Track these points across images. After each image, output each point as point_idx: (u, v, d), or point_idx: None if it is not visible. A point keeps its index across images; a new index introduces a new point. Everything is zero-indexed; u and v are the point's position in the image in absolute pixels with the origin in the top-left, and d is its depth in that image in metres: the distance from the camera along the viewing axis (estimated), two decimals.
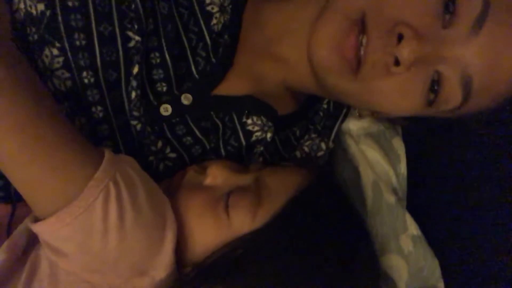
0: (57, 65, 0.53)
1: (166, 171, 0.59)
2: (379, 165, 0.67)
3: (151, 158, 0.58)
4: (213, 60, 0.60)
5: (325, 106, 0.69)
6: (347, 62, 0.51)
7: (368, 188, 0.65)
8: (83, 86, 0.54)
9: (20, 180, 0.46)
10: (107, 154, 0.47)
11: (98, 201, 0.44)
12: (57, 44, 0.53)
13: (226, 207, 0.51)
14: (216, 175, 0.55)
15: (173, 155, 0.60)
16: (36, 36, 0.53)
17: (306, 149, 0.66)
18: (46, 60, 0.53)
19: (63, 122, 0.47)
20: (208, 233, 0.51)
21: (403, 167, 0.68)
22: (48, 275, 0.47)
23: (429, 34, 0.48)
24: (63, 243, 0.45)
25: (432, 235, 0.65)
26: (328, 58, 0.52)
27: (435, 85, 0.51)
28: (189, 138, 0.60)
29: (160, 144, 0.59)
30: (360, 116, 0.67)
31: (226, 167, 0.55)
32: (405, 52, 0.48)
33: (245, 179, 0.54)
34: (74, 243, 0.45)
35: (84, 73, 0.54)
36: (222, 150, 0.61)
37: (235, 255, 0.49)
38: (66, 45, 0.53)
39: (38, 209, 0.46)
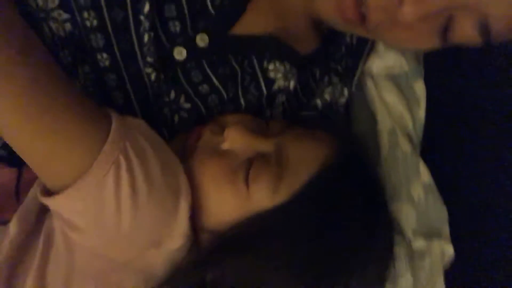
0: (52, 5, 0.48)
1: (182, 123, 0.56)
2: (396, 110, 0.64)
3: (165, 109, 0.55)
4: None
5: (348, 39, 0.63)
6: (351, 20, 0.49)
7: (385, 136, 0.63)
8: (85, 30, 0.49)
9: (24, 153, 0.43)
10: (115, 121, 0.44)
11: (109, 176, 0.42)
12: None
13: (246, 179, 0.48)
14: (235, 139, 0.51)
15: (187, 105, 0.55)
16: None
17: (327, 96, 0.61)
18: (40, 1, 0.47)
19: (65, 86, 0.43)
20: (226, 203, 0.49)
21: (421, 112, 0.65)
22: (64, 249, 0.46)
23: None
24: (77, 217, 0.44)
25: (446, 182, 0.65)
26: (332, 16, 0.51)
27: (448, 29, 0.48)
28: (205, 86, 0.55)
29: (173, 93, 0.54)
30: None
31: (245, 130, 0.51)
32: (407, 16, 0.46)
33: (266, 145, 0.50)
34: (88, 217, 0.44)
35: (85, 14, 0.48)
36: (242, 100, 0.57)
37: (255, 230, 0.48)
38: None
39: (46, 181, 0.45)
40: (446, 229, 0.66)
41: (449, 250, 0.66)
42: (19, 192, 0.50)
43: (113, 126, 0.43)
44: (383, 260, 0.54)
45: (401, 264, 0.62)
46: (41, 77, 0.41)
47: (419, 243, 0.65)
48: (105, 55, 0.50)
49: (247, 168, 0.49)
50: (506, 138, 0.66)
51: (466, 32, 0.47)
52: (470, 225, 0.68)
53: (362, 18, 0.48)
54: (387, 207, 0.55)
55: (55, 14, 0.48)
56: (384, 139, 0.62)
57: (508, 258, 0.65)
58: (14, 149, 0.43)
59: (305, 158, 0.50)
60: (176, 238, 0.47)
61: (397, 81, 0.64)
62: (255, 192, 0.48)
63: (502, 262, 0.65)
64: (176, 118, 0.55)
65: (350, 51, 0.63)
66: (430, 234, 0.65)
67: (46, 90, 0.41)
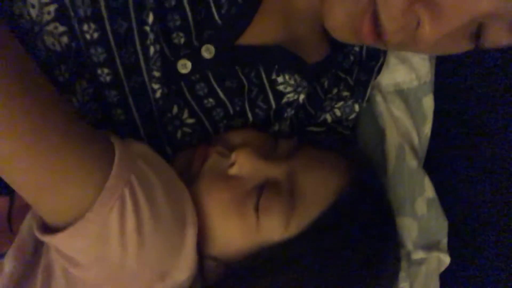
0: (47, 17, 0.44)
1: (185, 139, 0.53)
2: (403, 125, 0.64)
3: (167, 125, 0.52)
4: (239, 0, 0.50)
5: (356, 49, 0.62)
6: (368, 42, 0.48)
7: (392, 151, 0.63)
8: (84, 43, 0.46)
9: (20, 188, 0.40)
10: (118, 150, 0.41)
11: (113, 212, 0.40)
12: None
13: (256, 209, 0.46)
14: (244, 165, 0.48)
15: (191, 120, 0.53)
16: None
17: (337, 112, 0.60)
18: (33, 12, 0.44)
19: (65, 114, 0.40)
20: (233, 233, 0.47)
21: (427, 128, 0.65)
22: (64, 283, 0.44)
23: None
24: (78, 254, 0.42)
25: (448, 194, 0.66)
26: (347, 38, 0.50)
27: (480, 34, 0.45)
28: (210, 99, 0.53)
29: (176, 108, 0.52)
30: None
31: (254, 154, 0.49)
32: (428, 38, 0.43)
33: (276, 171, 0.49)
34: (90, 255, 0.41)
35: (85, 26, 0.45)
36: (249, 114, 0.55)
37: (262, 262, 0.47)
38: None
39: (44, 216, 0.42)
40: (444, 241, 0.68)
41: (446, 260, 0.68)
42: (11, 221, 0.48)
43: (117, 157, 0.41)
44: (389, 283, 0.54)
45: (400, 275, 0.63)
46: (37, 108, 0.38)
47: (418, 255, 0.66)
48: (106, 70, 0.47)
49: (257, 197, 0.47)
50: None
51: (499, 37, 0.44)
52: (468, 233, 0.70)
53: (381, 37, 0.46)
54: (396, 230, 0.56)
55: (50, 27, 0.45)
56: (392, 154, 0.62)
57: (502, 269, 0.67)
58: (9, 183, 0.40)
59: (319, 191, 0.48)
60: (182, 270, 0.45)
61: (405, 96, 0.64)
62: (265, 224, 0.47)
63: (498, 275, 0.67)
64: (179, 134, 0.53)
65: (361, 63, 0.62)
66: (429, 246, 0.67)
67: (43, 122, 0.38)
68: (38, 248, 0.47)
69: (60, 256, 0.43)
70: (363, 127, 0.64)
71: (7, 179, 0.39)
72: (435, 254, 0.67)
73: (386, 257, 0.52)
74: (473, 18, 0.42)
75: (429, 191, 0.65)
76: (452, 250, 0.67)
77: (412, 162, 0.63)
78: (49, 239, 0.41)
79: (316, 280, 0.47)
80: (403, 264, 0.64)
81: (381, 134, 0.63)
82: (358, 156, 0.57)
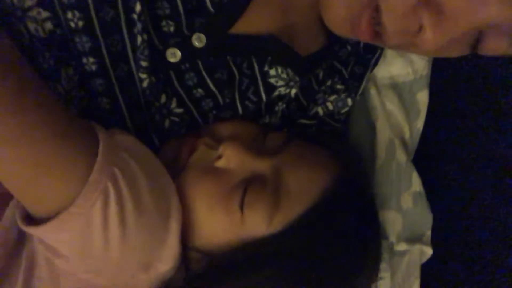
0: (29, 2, 0.43)
1: (173, 128, 0.53)
2: (396, 119, 0.63)
3: (155, 115, 0.52)
4: None
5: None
6: (367, 39, 0.46)
7: (382, 147, 0.62)
8: (69, 31, 0.44)
9: (4, 179, 0.40)
10: (102, 143, 0.41)
11: (96, 205, 0.40)
12: None
13: (241, 205, 0.47)
14: (231, 158, 0.49)
15: (179, 110, 0.52)
16: None
17: (330, 106, 0.59)
18: None
19: (49, 105, 0.39)
20: (218, 226, 0.48)
21: (420, 123, 0.65)
22: (47, 273, 0.45)
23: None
24: (61, 246, 0.42)
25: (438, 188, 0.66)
26: (344, 32, 0.48)
27: (480, 41, 0.43)
28: (200, 89, 0.52)
29: (164, 97, 0.51)
30: None
31: (242, 147, 0.49)
32: (429, 45, 0.42)
33: (263, 166, 0.49)
34: (74, 246, 0.42)
35: (69, 14, 0.44)
36: (239, 106, 0.54)
37: (246, 255, 0.48)
38: None
39: (28, 207, 0.42)
40: (428, 233, 0.68)
41: (428, 252, 0.68)
42: None
43: (100, 150, 0.41)
44: (371, 274, 0.55)
45: (382, 266, 0.64)
46: (22, 99, 0.37)
47: (401, 247, 0.67)
48: (91, 59, 0.46)
49: (243, 192, 0.47)
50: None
51: (498, 46, 0.43)
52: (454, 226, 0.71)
53: (379, 36, 0.45)
54: (378, 226, 0.56)
55: (33, 12, 0.43)
56: (382, 150, 0.62)
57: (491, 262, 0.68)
58: None
59: (304, 189, 0.48)
60: (166, 261, 0.46)
61: (400, 90, 0.62)
62: (249, 220, 0.47)
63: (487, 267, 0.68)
64: (166, 123, 0.53)
65: (358, 56, 0.60)
66: (412, 239, 0.67)
67: (26, 115, 0.37)
68: (21, 236, 0.47)
69: (43, 247, 0.44)
70: (355, 120, 0.63)
71: None
72: (418, 246, 0.67)
73: (367, 255, 0.53)
74: (476, 27, 0.41)
75: (416, 185, 0.65)
76: (436, 243, 0.68)
77: (402, 157, 0.63)
78: (32, 231, 0.42)
79: (297, 276, 0.48)
80: (385, 255, 0.64)
81: (372, 128, 0.62)
82: (346, 152, 0.57)
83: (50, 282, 0.45)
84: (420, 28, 0.41)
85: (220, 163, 0.49)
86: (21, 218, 0.42)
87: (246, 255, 0.48)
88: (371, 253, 0.53)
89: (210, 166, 0.49)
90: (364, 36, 0.45)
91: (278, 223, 0.47)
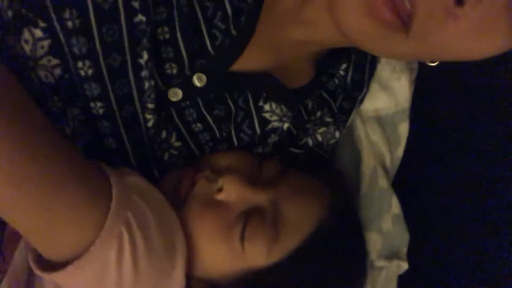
0: (41, 52, 0.45)
1: (171, 161, 0.56)
2: (378, 148, 0.67)
3: (156, 149, 0.54)
4: (233, 32, 0.51)
5: (341, 73, 0.63)
6: (388, 23, 0.40)
7: (366, 175, 0.66)
8: (79, 79, 0.46)
9: (18, 227, 0.42)
10: (114, 186, 0.43)
11: (112, 250, 0.42)
12: (42, 24, 0.42)
13: (242, 237, 0.50)
14: (231, 192, 0.52)
15: (178, 143, 0.55)
16: (10, 13, 0.42)
17: (319, 137, 0.63)
18: (27, 48, 0.43)
19: (63, 154, 0.41)
20: (219, 258, 0.51)
21: (400, 151, 0.69)
22: None
23: None
24: None
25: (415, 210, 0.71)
26: (360, 24, 0.41)
27: None
28: (199, 124, 0.55)
29: (164, 133, 0.53)
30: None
31: (241, 181, 0.52)
32: (467, 21, 0.37)
33: (261, 199, 0.52)
34: None
35: (80, 64, 0.46)
36: (234, 138, 0.57)
37: (246, 284, 0.51)
38: (56, 24, 0.42)
39: (42, 252, 0.44)
40: (404, 250, 0.73)
41: (404, 266, 0.74)
42: (2, 249, 0.49)
43: (114, 194, 0.43)
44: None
45: None
46: (37, 147, 0.39)
47: (380, 263, 0.72)
48: (99, 104, 0.48)
49: (243, 225, 0.50)
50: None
51: None
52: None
53: (402, 19, 0.39)
54: (366, 249, 0.61)
55: (44, 61, 0.45)
56: (366, 178, 0.66)
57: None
58: (7, 221, 0.41)
59: (301, 220, 0.52)
60: None
61: (383, 122, 0.67)
62: (250, 252, 0.50)
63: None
64: (166, 156, 0.55)
65: (346, 92, 0.63)
66: (391, 256, 0.72)
67: (42, 162, 0.39)
68: (31, 276, 0.49)
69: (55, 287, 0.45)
70: (341, 149, 0.67)
71: (5, 219, 0.41)
72: (395, 262, 0.73)
73: (359, 277, 0.58)
74: None
75: (396, 208, 0.70)
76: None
77: (383, 183, 0.67)
78: (47, 276, 0.43)
79: None
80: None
81: (357, 156, 0.66)
82: (336, 180, 0.61)
83: None
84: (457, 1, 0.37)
85: (221, 196, 0.52)
86: (34, 260, 0.44)
87: (247, 284, 0.51)
88: (362, 271, 0.57)
89: (210, 199, 0.52)
90: (385, 14, 0.39)
91: (276, 254, 0.51)
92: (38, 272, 0.44)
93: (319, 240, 0.52)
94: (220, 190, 0.52)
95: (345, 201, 0.58)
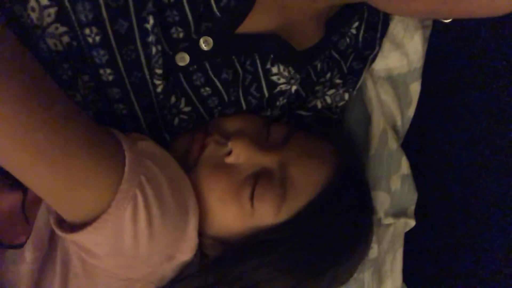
0: (48, 20, 0.44)
1: (181, 125, 0.56)
2: (389, 109, 0.66)
3: (167, 115, 0.54)
4: None
5: (353, 31, 0.61)
6: None
7: (376, 137, 0.66)
8: (87, 46, 0.46)
9: (39, 191, 0.43)
10: (128, 152, 0.44)
11: (127, 212, 0.43)
12: None
13: (251, 197, 0.51)
14: (240, 154, 0.52)
15: (187, 108, 0.55)
16: None
17: (328, 99, 0.62)
18: (33, 16, 0.43)
19: (80, 121, 0.42)
20: (230, 217, 0.52)
21: (411, 111, 0.68)
22: (81, 270, 0.49)
23: None
24: (95, 247, 0.46)
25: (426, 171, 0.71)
26: None
27: None
28: (207, 88, 0.55)
29: (173, 98, 0.54)
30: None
31: (250, 143, 0.52)
32: None
33: (270, 160, 0.52)
34: (106, 248, 0.46)
35: (87, 30, 0.45)
36: (243, 102, 0.57)
37: (257, 240, 0.52)
38: None
39: (62, 214, 0.45)
40: (412, 208, 0.75)
41: (411, 223, 0.75)
42: (25, 212, 0.50)
43: (127, 159, 0.44)
44: (365, 248, 0.62)
45: None
46: (52, 115, 0.39)
47: (388, 221, 0.73)
48: (108, 70, 0.48)
49: (252, 186, 0.51)
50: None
51: None
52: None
53: None
54: (372, 204, 0.62)
55: (52, 29, 0.45)
56: (375, 140, 0.66)
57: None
58: (28, 186, 0.43)
59: (308, 180, 0.53)
60: (186, 252, 0.51)
61: (395, 82, 0.65)
62: (259, 211, 0.52)
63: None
64: (176, 121, 0.55)
65: (357, 51, 0.61)
66: (398, 214, 0.73)
67: (59, 129, 0.39)
68: (53, 236, 0.50)
69: (77, 248, 0.47)
70: (350, 110, 0.66)
71: (27, 184, 0.42)
72: (402, 220, 0.74)
73: (365, 234, 0.59)
74: None
75: (405, 168, 0.70)
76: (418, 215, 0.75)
77: (393, 144, 0.67)
78: (67, 236, 0.45)
79: (304, 258, 0.54)
80: (374, 228, 0.71)
81: (367, 118, 0.66)
82: (344, 141, 0.61)
83: (84, 278, 0.49)
84: None
85: (230, 159, 0.53)
86: (55, 222, 0.46)
87: (256, 241, 0.52)
88: (368, 228, 0.59)
89: (220, 162, 0.53)
90: None
91: (284, 213, 0.52)
92: (59, 233, 0.45)
93: (326, 199, 0.52)
94: (229, 153, 0.53)
95: (352, 161, 0.58)
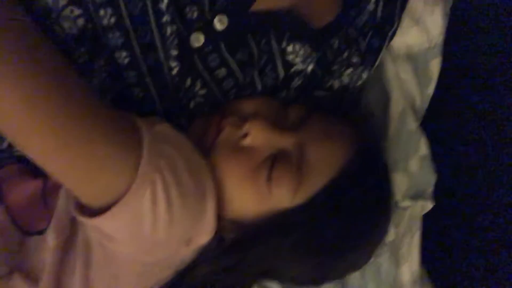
0: (63, 2, 0.44)
1: (197, 108, 0.55)
2: (409, 89, 0.64)
3: (182, 98, 0.54)
4: None
5: (372, 6, 0.59)
6: None
7: (395, 117, 0.64)
8: (102, 28, 0.46)
9: (59, 177, 0.44)
10: (146, 136, 0.44)
11: (146, 196, 0.44)
12: None
13: (268, 180, 0.50)
14: (257, 136, 0.52)
15: (203, 91, 0.54)
16: None
17: (345, 79, 0.60)
18: None
19: (98, 105, 0.43)
20: (247, 200, 0.52)
21: (430, 89, 0.66)
22: (103, 257, 0.49)
23: None
24: (115, 232, 0.46)
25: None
26: None
27: None
28: (223, 69, 0.54)
29: (189, 81, 0.53)
30: None
31: (266, 125, 0.52)
32: None
33: (287, 142, 0.52)
34: (126, 232, 0.46)
35: (102, 12, 0.45)
36: (258, 83, 0.56)
37: (274, 223, 0.52)
38: None
39: (82, 199, 0.45)
40: (430, 190, 0.72)
41: (429, 206, 0.73)
42: (46, 199, 0.51)
43: (146, 143, 0.44)
44: (383, 232, 0.61)
45: None
46: (74, 102, 0.40)
47: (405, 203, 0.71)
48: (124, 53, 0.48)
49: (269, 168, 0.51)
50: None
51: None
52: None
53: None
54: (391, 188, 0.60)
55: (67, 11, 0.44)
56: (394, 120, 0.64)
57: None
58: (47, 172, 0.43)
59: (326, 163, 0.52)
60: (204, 235, 0.51)
61: (415, 59, 0.63)
62: (276, 194, 0.51)
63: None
64: (192, 104, 0.55)
65: (375, 27, 0.59)
66: (416, 196, 0.71)
67: (80, 116, 0.41)
68: (73, 221, 0.50)
69: (96, 232, 0.48)
70: (369, 90, 0.64)
71: (48, 171, 0.43)
72: (420, 202, 0.72)
73: (383, 218, 0.58)
74: None
75: (423, 148, 0.68)
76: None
77: (412, 125, 0.65)
78: (88, 221, 0.45)
79: (323, 241, 0.53)
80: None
81: (386, 98, 0.64)
82: (362, 122, 0.59)
83: (105, 264, 0.49)
84: None
85: (247, 142, 0.52)
86: (75, 207, 0.46)
87: (273, 224, 0.52)
88: (387, 212, 0.58)
89: (237, 145, 0.52)
90: None
91: (302, 195, 0.51)
92: (80, 218, 0.46)
93: (343, 182, 0.52)
94: (246, 135, 0.52)
95: (371, 143, 0.56)
